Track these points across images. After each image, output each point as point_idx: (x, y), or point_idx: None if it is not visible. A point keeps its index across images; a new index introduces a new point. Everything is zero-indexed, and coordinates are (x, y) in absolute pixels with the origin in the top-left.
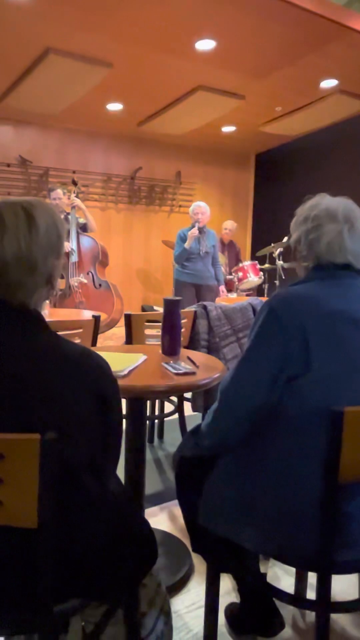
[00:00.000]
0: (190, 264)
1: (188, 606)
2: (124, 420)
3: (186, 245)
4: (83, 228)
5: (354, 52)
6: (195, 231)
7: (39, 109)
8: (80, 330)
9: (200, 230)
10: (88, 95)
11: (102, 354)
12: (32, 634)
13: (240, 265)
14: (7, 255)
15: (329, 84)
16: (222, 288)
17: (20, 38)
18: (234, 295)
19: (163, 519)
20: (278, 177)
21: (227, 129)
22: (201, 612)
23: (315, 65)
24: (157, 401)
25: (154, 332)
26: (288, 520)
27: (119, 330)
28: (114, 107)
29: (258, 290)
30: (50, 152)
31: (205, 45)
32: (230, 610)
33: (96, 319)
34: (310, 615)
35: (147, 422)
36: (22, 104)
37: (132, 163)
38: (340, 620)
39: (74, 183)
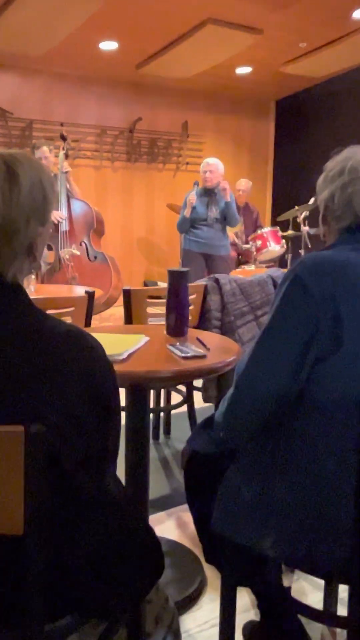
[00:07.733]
0: (198, 231)
1: (200, 625)
2: (123, 412)
3: (185, 213)
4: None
5: None
6: (192, 197)
7: (20, 50)
8: (72, 308)
9: (209, 191)
10: (78, 31)
11: (97, 335)
12: None
13: (259, 232)
14: None
15: None
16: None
17: None
18: (251, 267)
19: (171, 525)
20: (303, 128)
21: (242, 70)
22: (215, 632)
23: None
24: (162, 391)
25: (157, 311)
26: (317, 525)
27: (118, 310)
28: (109, 46)
29: (280, 262)
30: (35, 102)
31: None
32: (249, 629)
33: (90, 294)
34: (342, 634)
35: (151, 415)
36: (1, 44)
37: (130, 113)
38: None
39: (63, 138)
